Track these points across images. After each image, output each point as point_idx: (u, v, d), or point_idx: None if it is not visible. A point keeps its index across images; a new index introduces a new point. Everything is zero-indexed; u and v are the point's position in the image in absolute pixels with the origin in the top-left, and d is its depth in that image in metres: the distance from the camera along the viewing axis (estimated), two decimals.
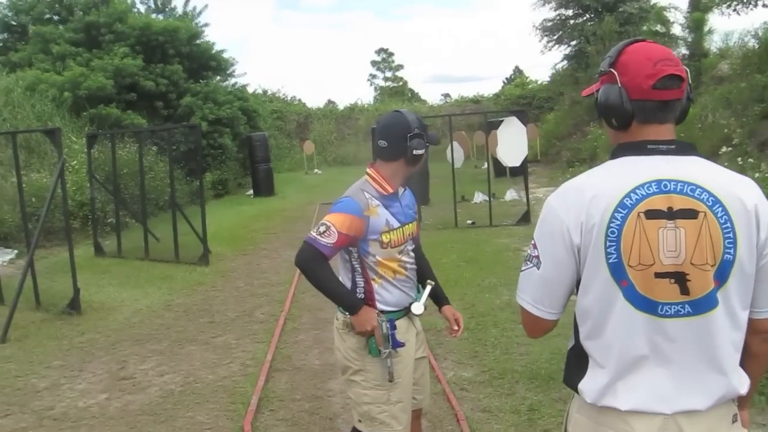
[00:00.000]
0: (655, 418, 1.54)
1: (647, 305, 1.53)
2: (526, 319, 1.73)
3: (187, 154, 14.51)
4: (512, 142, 12.13)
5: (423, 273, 2.80)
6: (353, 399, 2.70)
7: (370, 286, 2.61)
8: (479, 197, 14.26)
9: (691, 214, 1.51)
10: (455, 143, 13.60)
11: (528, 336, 1.82)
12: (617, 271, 1.53)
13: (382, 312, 2.59)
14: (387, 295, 2.63)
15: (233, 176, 19.60)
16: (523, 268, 1.70)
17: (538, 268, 1.64)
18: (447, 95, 43.76)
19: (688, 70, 1.62)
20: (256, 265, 9.26)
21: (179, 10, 22.28)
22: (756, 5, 7.08)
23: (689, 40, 16.06)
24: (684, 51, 16.19)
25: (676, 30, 17.95)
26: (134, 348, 5.74)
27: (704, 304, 1.51)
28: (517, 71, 45.16)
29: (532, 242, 1.68)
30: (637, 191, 1.52)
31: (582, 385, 1.63)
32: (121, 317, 6.74)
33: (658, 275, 1.51)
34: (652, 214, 1.51)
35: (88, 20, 17.81)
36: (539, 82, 32.51)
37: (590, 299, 1.59)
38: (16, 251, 10.43)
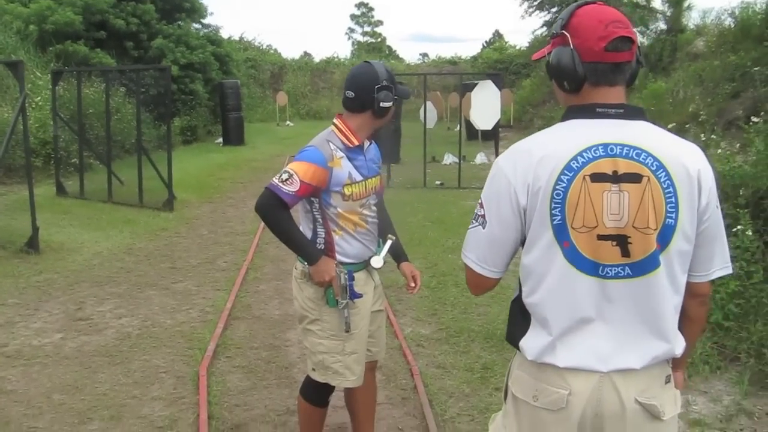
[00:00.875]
0: (592, 375, 1.59)
1: (588, 266, 1.56)
2: (470, 277, 1.76)
3: (156, 98, 14.18)
4: (486, 106, 12.13)
5: (384, 228, 2.81)
6: (308, 348, 2.73)
7: (330, 237, 2.61)
8: (449, 159, 14.27)
9: (635, 178, 1.53)
10: (429, 103, 13.52)
11: (471, 293, 1.85)
12: (560, 233, 1.56)
13: (342, 263, 2.60)
14: (347, 247, 2.63)
15: (203, 123, 19.19)
16: (469, 227, 1.72)
17: (484, 228, 1.67)
18: (425, 55, 43.31)
19: (637, 32, 1.63)
20: (221, 214, 9.19)
21: None
22: None
23: (668, 14, 16.08)
24: (662, 25, 16.24)
25: (657, 3, 17.92)
26: (92, 290, 5.69)
27: (644, 267, 1.55)
28: (497, 35, 44.81)
29: (480, 201, 1.69)
30: (584, 154, 1.54)
31: (523, 343, 1.68)
32: (81, 258, 6.65)
33: (600, 237, 1.54)
34: (597, 178, 1.53)
35: None
36: (518, 48, 32.33)
37: (532, 258, 1.62)
38: None
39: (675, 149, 1.57)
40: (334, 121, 2.65)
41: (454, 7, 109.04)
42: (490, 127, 12.40)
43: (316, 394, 2.82)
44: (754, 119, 5.96)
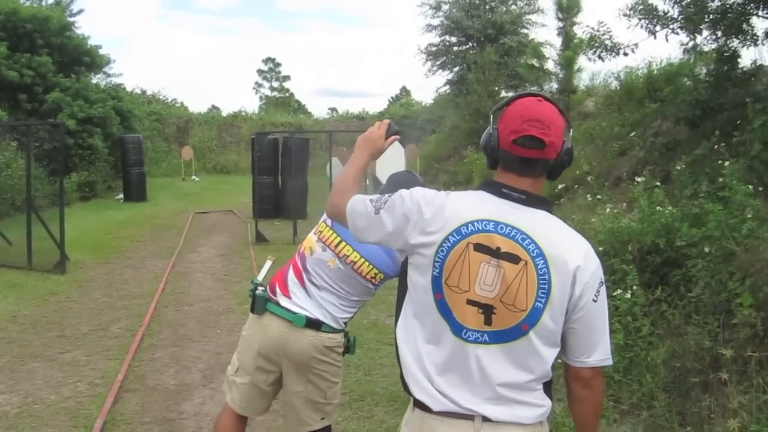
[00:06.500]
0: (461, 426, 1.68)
1: (454, 325, 1.68)
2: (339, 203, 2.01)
3: (50, 153, 13.51)
4: (391, 161, 12.26)
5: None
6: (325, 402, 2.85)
7: None
8: None
9: (514, 258, 1.65)
10: (335, 159, 13.63)
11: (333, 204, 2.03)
12: (436, 284, 1.70)
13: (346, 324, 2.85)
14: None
15: (102, 179, 18.45)
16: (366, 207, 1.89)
17: (377, 213, 1.83)
18: (334, 109, 43.95)
19: (568, 129, 1.74)
20: (118, 275, 8.76)
21: None
22: (618, 54, 7.82)
23: (560, 76, 17.00)
24: (555, 85, 17.14)
25: (550, 66, 18.96)
26: None
27: (503, 337, 1.66)
28: (405, 91, 46.17)
29: (387, 197, 1.85)
30: (475, 224, 1.68)
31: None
32: None
33: (469, 302, 1.67)
34: (479, 248, 1.67)
35: None
36: (424, 104, 33.34)
37: (415, 296, 1.76)
38: None
39: (560, 241, 1.69)
40: None
41: (362, 63, 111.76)
42: None
43: None
44: (638, 179, 6.35)
